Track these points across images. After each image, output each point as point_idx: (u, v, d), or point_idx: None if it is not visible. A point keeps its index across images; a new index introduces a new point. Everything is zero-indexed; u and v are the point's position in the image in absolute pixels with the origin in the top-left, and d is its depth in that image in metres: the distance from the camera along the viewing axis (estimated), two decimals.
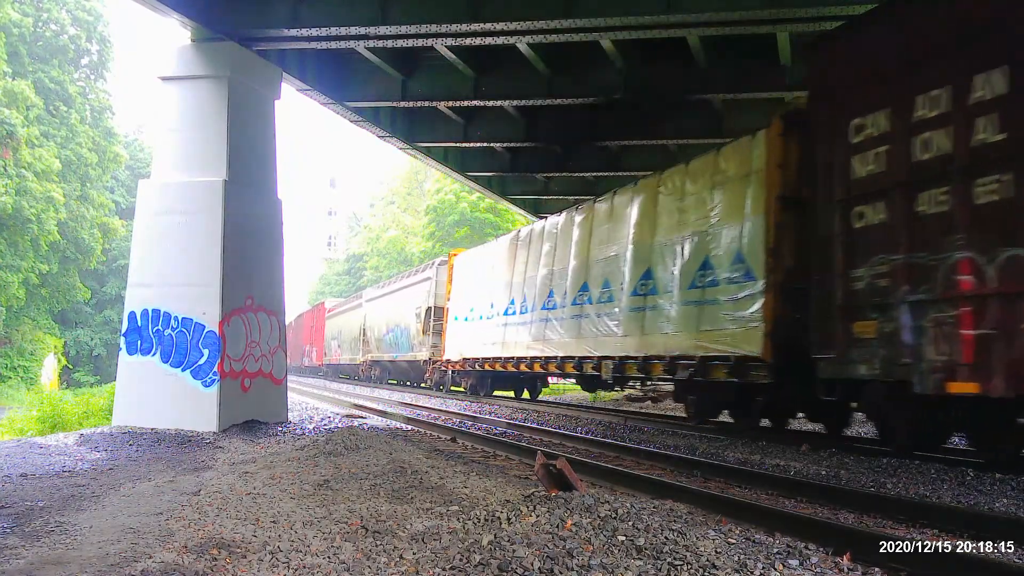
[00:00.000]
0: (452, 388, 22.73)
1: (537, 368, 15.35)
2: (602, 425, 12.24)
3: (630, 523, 4.07)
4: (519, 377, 18.49)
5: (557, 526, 4.04)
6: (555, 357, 14.35)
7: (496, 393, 20.79)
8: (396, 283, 28.63)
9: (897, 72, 7.52)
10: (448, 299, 20.60)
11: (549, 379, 20.39)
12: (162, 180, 11.20)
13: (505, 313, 16.82)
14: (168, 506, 5.24)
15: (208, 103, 11.22)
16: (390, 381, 30.15)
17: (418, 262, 38.86)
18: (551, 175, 20.47)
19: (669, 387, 20.32)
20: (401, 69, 14.05)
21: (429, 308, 22.62)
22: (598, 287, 13.08)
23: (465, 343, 18.91)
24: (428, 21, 11.00)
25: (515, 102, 14.59)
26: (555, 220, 15.40)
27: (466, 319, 19.06)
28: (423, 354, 23.21)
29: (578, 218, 14.32)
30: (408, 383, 28.86)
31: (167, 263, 10.85)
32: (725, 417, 11.88)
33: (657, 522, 4.11)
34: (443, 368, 21.01)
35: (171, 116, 11.37)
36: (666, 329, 11.09)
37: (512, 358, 16.25)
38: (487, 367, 17.70)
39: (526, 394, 20.63)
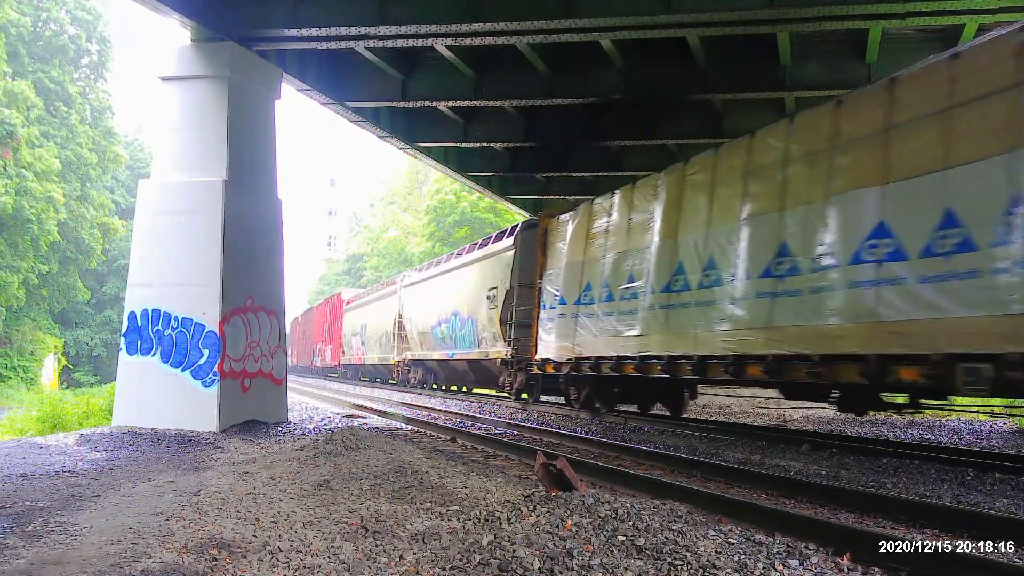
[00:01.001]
0: (544, 398, 17.15)
1: (753, 373, 9.11)
2: (602, 425, 12.24)
3: (630, 523, 4.07)
4: (663, 386, 13.11)
5: (557, 526, 4.04)
6: (807, 357, 8.24)
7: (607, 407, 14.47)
8: (453, 260, 21.67)
9: None
10: (541, 277, 14.93)
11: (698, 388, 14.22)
12: (162, 180, 11.21)
13: (665, 289, 10.77)
14: (168, 506, 5.24)
15: (208, 103, 11.22)
16: (435, 386, 24.93)
17: (418, 262, 37.01)
18: (551, 175, 20.46)
19: None
20: (401, 69, 14.06)
21: (510, 290, 16.64)
22: (926, 231, 7.03)
23: (579, 336, 12.99)
24: (428, 21, 11.01)
25: (515, 102, 14.59)
26: (769, 138, 9.38)
27: (579, 302, 13.13)
28: (498, 351, 17.31)
29: (847, 125, 8.22)
30: (462, 388, 24.06)
31: (167, 263, 10.86)
32: None
33: (657, 522, 4.11)
34: (535, 371, 15.00)
35: (171, 116, 11.38)
36: None
37: (687, 358, 10.19)
38: (628, 370, 11.61)
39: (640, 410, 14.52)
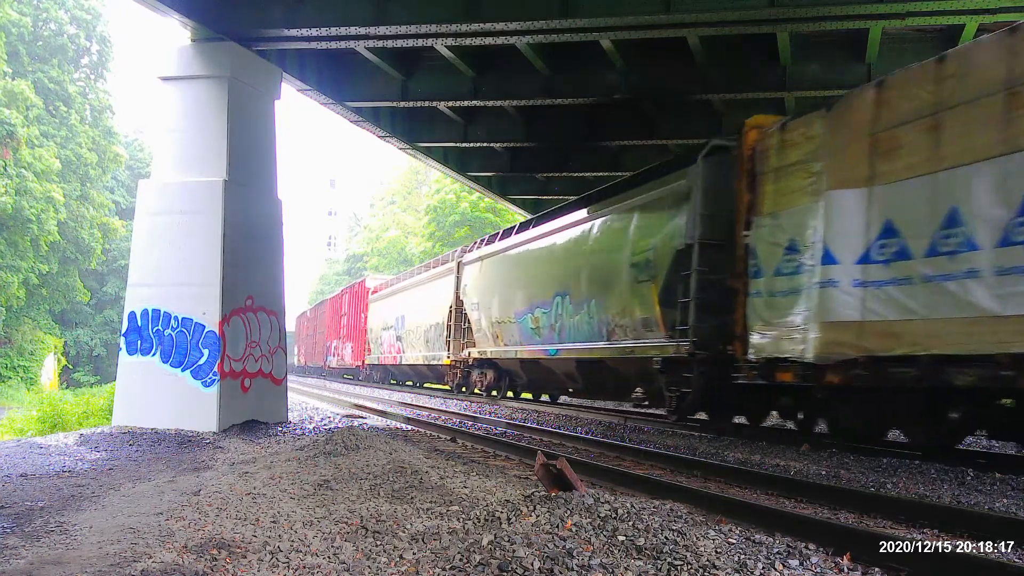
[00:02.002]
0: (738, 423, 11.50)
1: None
2: (602, 425, 12.23)
3: (630, 523, 4.07)
4: None
5: (557, 526, 4.04)
6: None
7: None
8: (558, 219, 15.17)
9: None
10: (748, 227, 9.51)
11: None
12: (162, 180, 11.21)
13: None
14: (168, 506, 5.24)
15: (208, 103, 11.23)
16: (511, 393, 18.83)
17: (418, 262, 35.07)
18: (551, 175, 20.48)
19: None
20: (401, 69, 14.06)
21: (682, 251, 10.58)
22: None
23: (872, 319, 7.77)
24: (428, 21, 11.01)
25: (515, 102, 14.60)
26: None
27: (866, 259, 7.90)
28: (652, 344, 11.45)
29: None
30: (540, 396, 19.00)
31: (167, 263, 10.86)
32: None
33: (657, 522, 4.11)
34: (748, 375, 9.42)
35: (171, 116, 11.38)
36: None
37: None
38: None
39: None
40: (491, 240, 18.83)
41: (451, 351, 20.20)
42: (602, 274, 12.99)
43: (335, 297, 37.04)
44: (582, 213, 14.16)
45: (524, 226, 17.09)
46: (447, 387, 22.47)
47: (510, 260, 17.01)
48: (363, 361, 30.04)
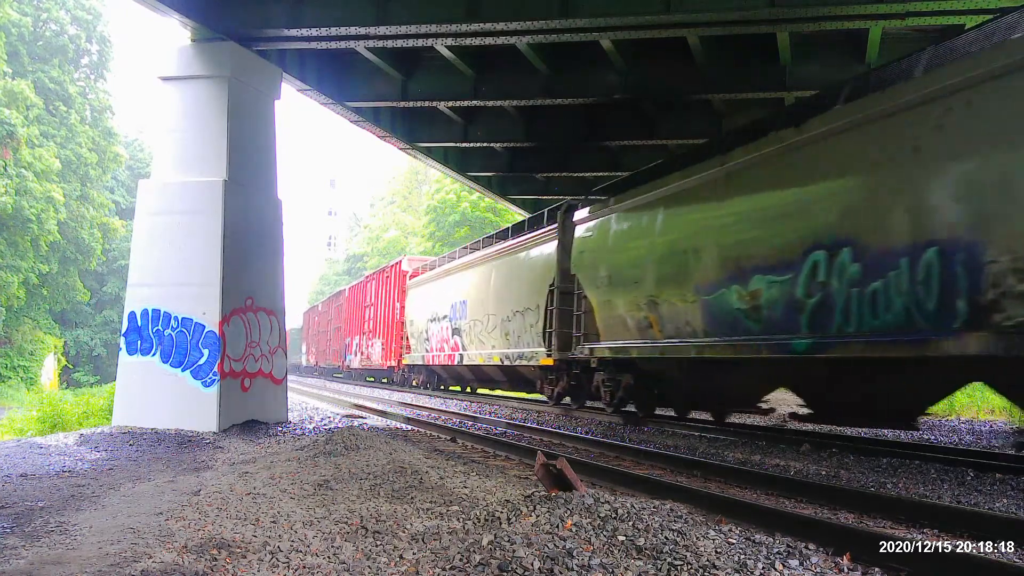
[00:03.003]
0: None
1: None
2: (602, 425, 12.23)
3: (630, 523, 4.07)
4: None
5: (557, 526, 4.04)
6: None
7: None
8: (796, 127, 8.36)
9: None
10: None
11: None
12: (162, 180, 11.22)
13: None
14: (168, 506, 5.24)
15: (208, 103, 11.23)
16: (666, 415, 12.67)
17: None
18: (551, 175, 20.48)
19: None
20: (401, 69, 14.07)
21: None
22: None
23: None
24: (428, 21, 11.02)
25: (515, 102, 14.59)
26: None
27: None
28: None
29: None
30: (710, 418, 12.22)
31: (167, 263, 10.87)
32: None
33: (657, 522, 4.11)
34: None
35: (171, 116, 11.38)
36: None
37: None
38: None
39: None
40: (628, 184, 12.10)
41: (553, 347, 14.30)
42: (963, 196, 6.57)
43: (356, 286, 31.57)
44: (883, 98, 7.38)
45: (709, 150, 10.15)
46: (542, 396, 16.38)
47: (686, 205, 10.38)
48: (399, 361, 24.84)
